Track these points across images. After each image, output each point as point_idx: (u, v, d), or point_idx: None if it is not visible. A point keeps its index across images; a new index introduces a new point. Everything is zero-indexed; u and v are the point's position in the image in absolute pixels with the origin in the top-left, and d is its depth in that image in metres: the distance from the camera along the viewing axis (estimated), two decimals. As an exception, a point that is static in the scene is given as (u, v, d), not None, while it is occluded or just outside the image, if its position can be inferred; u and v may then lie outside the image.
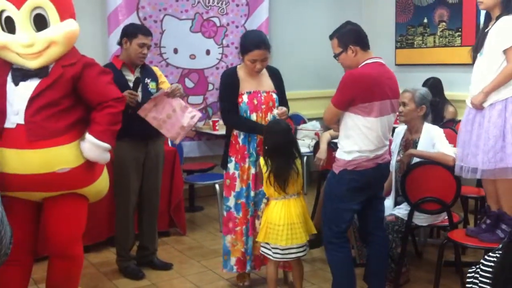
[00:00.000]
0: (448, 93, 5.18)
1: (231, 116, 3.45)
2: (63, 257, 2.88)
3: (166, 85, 3.80)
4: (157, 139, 3.85)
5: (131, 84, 3.62)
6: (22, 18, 2.65)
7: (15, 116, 2.67)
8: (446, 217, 3.50)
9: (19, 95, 2.68)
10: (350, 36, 3.02)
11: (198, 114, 3.71)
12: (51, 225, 2.84)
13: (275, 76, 3.60)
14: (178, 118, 3.60)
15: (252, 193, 3.47)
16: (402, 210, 3.54)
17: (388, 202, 3.69)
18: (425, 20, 5.87)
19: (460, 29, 5.53)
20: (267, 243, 3.22)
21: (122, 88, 3.55)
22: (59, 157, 2.70)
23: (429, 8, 5.83)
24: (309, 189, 5.82)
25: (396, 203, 3.66)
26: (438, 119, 4.74)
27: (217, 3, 5.75)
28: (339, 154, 3.08)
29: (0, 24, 2.69)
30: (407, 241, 3.51)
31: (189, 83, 5.65)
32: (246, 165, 3.44)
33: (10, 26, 2.69)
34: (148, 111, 3.60)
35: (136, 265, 3.87)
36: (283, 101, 3.57)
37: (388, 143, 3.15)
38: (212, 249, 4.33)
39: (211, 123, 5.53)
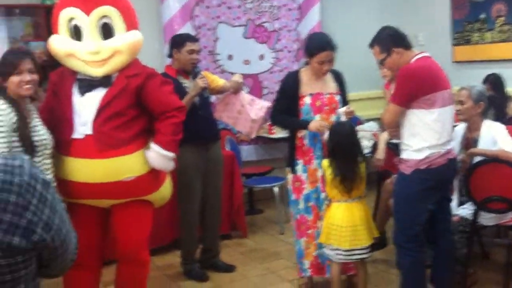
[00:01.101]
0: (510, 89, 5.03)
1: (276, 115, 3.49)
2: (131, 262, 2.97)
3: (217, 82, 3.88)
4: (217, 142, 3.93)
5: (188, 91, 3.70)
6: (90, 25, 2.75)
7: (83, 127, 2.75)
8: (513, 216, 3.40)
9: (87, 106, 2.77)
10: (391, 39, 3.00)
11: (266, 105, 3.71)
12: (119, 231, 2.93)
13: (338, 78, 3.61)
14: (247, 112, 3.66)
15: (322, 195, 3.44)
16: (466, 210, 3.47)
17: (452, 203, 3.62)
18: (482, 16, 5.73)
19: (519, 23, 5.38)
20: (329, 245, 3.22)
21: (180, 94, 3.65)
22: (125, 166, 2.78)
23: (486, 3, 5.68)
24: (368, 190, 5.75)
25: (460, 203, 3.59)
26: (501, 116, 4.61)
27: (269, 9, 5.80)
28: (407, 155, 3.00)
29: (68, 32, 2.80)
30: (472, 242, 3.44)
31: (243, 88, 5.71)
32: (313, 167, 3.44)
33: (77, 34, 2.78)
34: (222, 112, 3.69)
35: (199, 268, 3.95)
36: (345, 103, 3.59)
37: (452, 135, 3.10)
38: (273, 252, 4.37)
39: (267, 127, 5.57)
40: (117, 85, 2.80)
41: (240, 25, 5.69)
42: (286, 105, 3.46)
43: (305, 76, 3.50)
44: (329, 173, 3.17)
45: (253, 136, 3.86)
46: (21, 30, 4.74)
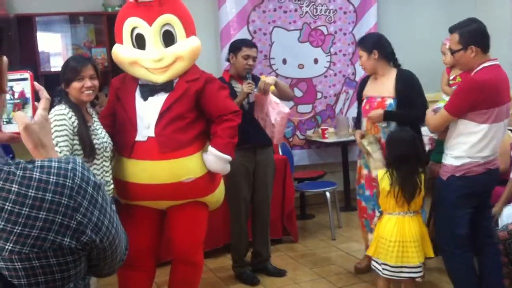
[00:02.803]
0: None
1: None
2: (185, 263, 3.04)
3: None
4: (266, 147, 3.93)
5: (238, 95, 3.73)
6: (153, 34, 2.83)
7: (146, 129, 2.85)
8: None
9: (149, 110, 2.86)
10: (474, 36, 2.90)
11: (284, 110, 3.59)
12: (176, 232, 3.01)
13: (402, 79, 3.51)
14: (270, 116, 3.62)
15: (366, 192, 3.62)
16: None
17: (510, 209, 3.51)
18: (547, 15, 5.49)
19: None
20: (377, 258, 3.12)
21: (232, 98, 3.71)
22: (186, 168, 2.86)
23: (551, 2, 5.44)
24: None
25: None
26: None
27: (325, 12, 5.78)
28: (446, 160, 3.01)
29: (131, 41, 2.89)
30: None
31: (298, 93, 5.72)
32: (358, 165, 3.65)
33: (140, 42, 2.88)
34: (257, 113, 3.71)
35: (251, 271, 3.97)
36: (405, 104, 3.43)
37: (499, 150, 3.03)
38: (324, 257, 4.35)
39: (320, 131, 5.55)
40: (178, 90, 2.89)
41: (295, 29, 5.69)
42: (359, 108, 3.68)
43: (373, 77, 3.55)
44: (384, 183, 3.05)
45: (275, 142, 3.79)
46: (84, 37, 4.94)
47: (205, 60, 5.35)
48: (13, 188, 1.01)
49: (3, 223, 1.00)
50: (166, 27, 2.85)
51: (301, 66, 5.73)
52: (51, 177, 1.04)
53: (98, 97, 4.22)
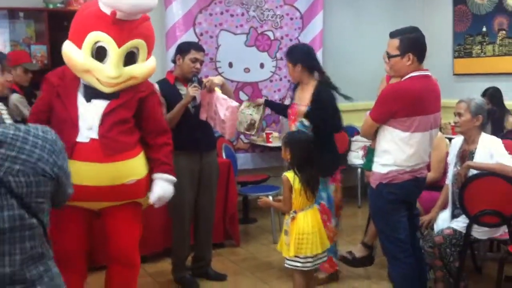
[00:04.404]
0: (508, 103, 5.01)
1: None
2: (123, 264, 2.98)
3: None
4: (211, 151, 3.92)
5: (183, 97, 3.69)
6: (119, 55, 2.77)
7: (89, 130, 2.78)
8: (506, 231, 3.38)
9: (92, 111, 2.80)
10: (414, 44, 2.94)
11: (232, 105, 3.61)
12: (114, 233, 2.95)
13: (317, 91, 3.73)
14: (219, 112, 3.62)
15: None
16: (460, 223, 3.45)
17: (445, 214, 3.62)
18: (484, 29, 5.72)
19: (521, 37, 5.37)
20: (296, 256, 3.18)
21: (176, 100, 3.67)
22: (129, 170, 2.84)
23: (488, 17, 5.68)
24: (364, 202, 5.76)
25: (454, 216, 3.57)
26: (498, 130, 4.60)
27: (271, 17, 5.82)
28: (374, 167, 3.05)
29: (91, 50, 2.78)
30: (465, 255, 3.41)
31: (243, 96, 5.73)
32: None
33: (100, 54, 2.78)
34: (205, 113, 3.68)
35: (191, 276, 3.93)
36: (316, 113, 3.67)
37: (427, 159, 3.10)
38: (266, 261, 4.35)
39: (264, 135, 5.57)
40: (122, 97, 2.87)
41: (242, 33, 5.71)
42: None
43: (300, 85, 3.84)
44: (296, 184, 3.18)
45: (228, 137, 3.85)
46: (23, 33, 4.78)
47: (149, 61, 5.33)
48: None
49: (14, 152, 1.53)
50: (132, 49, 2.83)
51: (247, 70, 5.75)
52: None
53: (36, 95, 4.10)
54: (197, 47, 3.85)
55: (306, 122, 3.69)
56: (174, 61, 3.86)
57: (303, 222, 3.18)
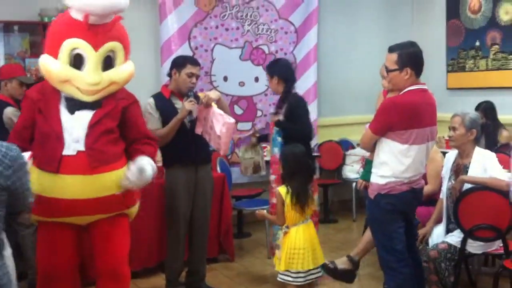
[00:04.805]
0: (502, 117, 5.04)
1: None
2: (112, 278, 2.94)
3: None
4: (207, 164, 3.91)
5: (179, 112, 3.69)
6: (96, 59, 2.76)
7: (76, 143, 2.76)
8: (501, 245, 3.38)
9: (77, 123, 2.78)
10: (412, 59, 3.00)
11: (228, 121, 3.64)
12: (102, 246, 2.92)
13: (288, 102, 4.01)
14: (214, 128, 3.64)
15: None
16: (454, 238, 3.45)
17: (440, 229, 3.62)
18: (477, 43, 5.77)
19: (514, 52, 5.41)
20: (287, 271, 3.22)
21: (171, 114, 3.67)
22: (118, 180, 2.81)
23: (481, 31, 5.72)
24: (359, 216, 5.76)
25: (448, 230, 3.57)
26: (492, 144, 4.62)
27: (266, 31, 5.85)
28: (372, 178, 3.10)
29: (68, 59, 2.77)
30: (460, 270, 3.41)
31: (238, 110, 5.74)
32: None
33: (77, 62, 2.77)
34: (200, 127, 3.69)
35: (185, 291, 3.89)
36: (282, 124, 3.99)
37: (424, 170, 3.16)
38: (260, 275, 4.32)
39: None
40: (106, 107, 2.85)
41: (237, 47, 5.73)
42: None
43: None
44: (288, 198, 3.23)
45: (222, 153, 3.85)
46: (18, 47, 4.78)
47: (144, 75, 5.32)
48: None
49: None
50: (109, 53, 2.82)
51: (242, 84, 5.76)
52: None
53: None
54: (193, 61, 3.85)
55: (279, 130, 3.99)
56: (169, 75, 3.86)
57: (295, 237, 3.22)
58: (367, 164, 3.47)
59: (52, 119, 2.79)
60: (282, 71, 4.06)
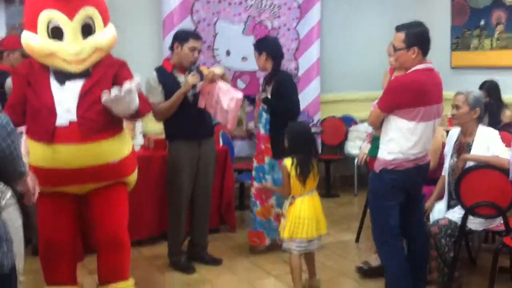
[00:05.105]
0: (506, 96, 5.04)
1: None
2: (113, 245, 2.99)
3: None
4: (210, 138, 3.93)
5: (182, 86, 3.69)
6: (73, 27, 2.75)
7: (67, 113, 2.77)
8: (502, 222, 3.40)
9: (68, 94, 2.79)
10: (419, 38, 3.05)
11: (237, 95, 3.68)
12: (102, 215, 2.96)
13: (276, 79, 4.06)
14: (221, 102, 3.65)
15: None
16: (456, 214, 3.47)
17: (441, 205, 3.64)
18: (482, 23, 5.73)
19: (519, 32, 5.38)
20: (291, 239, 3.34)
21: (173, 88, 3.67)
22: (111, 148, 2.85)
23: (486, 11, 5.68)
24: (360, 191, 5.81)
25: (449, 207, 3.59)
26: (495, 123, 4.62)
27: (269, 7, 5.80)
28: (380, 154, 3.17)
29: (47, 32, 2.76)
30: (460, 246, 3.44)
31: (241, 84, 5.72)
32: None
33: (57, 34, 2.76)
34: (204, 101, 3.69)
35: (186, 260, 3.94)
36: (275, 99, 4.02)
37: (429, 147, 3.22)
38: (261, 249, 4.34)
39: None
40: (95, 75, 2.86)
41: (239, 22, 5.68)
42: None
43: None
44: (293, 169, 3.33)
45: (229, 127, 3.83)
46: (20, 18, 4.73)
47: (146, 48, 5.31)
48: None
49: None
50: (87, 20, 2.80)
51: (244, 59, 5.71)
52: None
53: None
54: (196, 36, 3.84)
55: (265, 107, 4.02)
56: (171, 49, 3.84)
57: (299, 207, 3.34)
58: (375, 141, 3.52)
59: (42, 92, 2.79)
60: (271, 48, 4.07)
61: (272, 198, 4.10)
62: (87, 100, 2.78)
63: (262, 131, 4.06)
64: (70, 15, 2.74)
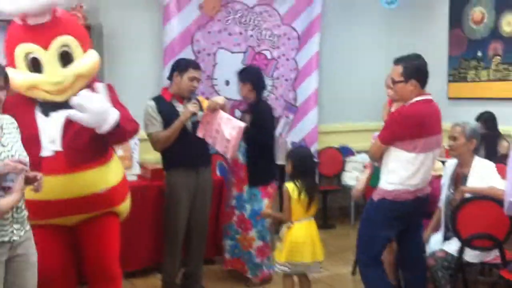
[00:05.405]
0: (502, 128, 5.05)
1: None
2: (104, 278, 2.95)
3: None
4: (207, 167, 3.93)
5: (181, 115, 3.70)
6: (50, 57, 2.74)
7: (52, 144, 2.75)
8: (498, 254, 3.38)
9: (53, 124, 2.77)
10: (417, 71, 3.11)
11: (239, 124, 3.71)
12: (92, 247, 2.92)
13: (255, 109, 4.15)
14: (223, 131, 3.67)
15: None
16: (452, 246, 3.45)
17: (437, 237, 3.62)
18: (479, 54, 5.78)
19: (515, 63, 5.41)
20: (287, 262, 3.38)
21: (172, 117, 3.69)
22: (99, 178, 2.82)
23: (483, 42, 5.73)
24: (357, 222, 5.71)
25: (446, 238, 3.57)
26: (492, 154, 4.62)
27: (269, 37, 5.86)
28: (381, 184, 3.20)
29: (26, 65, 2.76)
30: (457, 278, 3.41)
31: (238, 114, 5.73)
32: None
33: (36, 65, 2.76)
34: (203, 131, 3.71)
35: (181, 292, 3.89)
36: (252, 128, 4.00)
37: (430, 177, 3.25)
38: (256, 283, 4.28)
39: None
40: None
41: (239, 52, 5.74)
42: None
43: None
44: (295, 193, 3.37)
45: (229, 156, 3.83)
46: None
47: (147, 77, 5.37)
48: None
49: None
50: (64, 49, 2.78)
51: (243, 89, 5.76)
52: None
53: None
54: (196, 65, 3.88)
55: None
56: (170, 78, 3.86)
57: (297, 232, 3.38)
58: (376, 172, 3.54)
59: (28, 124, 2.73)
60: (255, 79, 4.16)
61: (252, 231, 4.11)
62: (72, 129, 2.76)
63: (241, 159, 4.10)
64: (45, 46, 2.73)
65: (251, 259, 4.12)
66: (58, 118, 2.79)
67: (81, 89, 2.80)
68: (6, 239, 2.22)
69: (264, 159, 4.07)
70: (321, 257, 3.46)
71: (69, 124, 2.76)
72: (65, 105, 2.78)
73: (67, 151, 2.74)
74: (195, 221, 3.88)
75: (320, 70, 6.09)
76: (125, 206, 3.07)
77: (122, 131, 2.84)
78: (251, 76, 4.17)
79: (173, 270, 3.88)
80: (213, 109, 3.69)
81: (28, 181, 2.25)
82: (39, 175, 2.28)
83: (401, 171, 3.11)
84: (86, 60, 2.86)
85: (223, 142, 3.67)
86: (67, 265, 2.94)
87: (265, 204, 4.05)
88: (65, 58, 2.79)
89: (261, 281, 4.14)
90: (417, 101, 3.10)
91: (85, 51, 2.87)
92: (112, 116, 2.72)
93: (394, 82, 3.15)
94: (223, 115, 3.70)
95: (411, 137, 3.05)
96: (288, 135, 5.91)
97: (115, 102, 2.90)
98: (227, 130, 3.64)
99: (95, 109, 2.64)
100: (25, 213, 2.36)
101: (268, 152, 4.13)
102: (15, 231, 2.26)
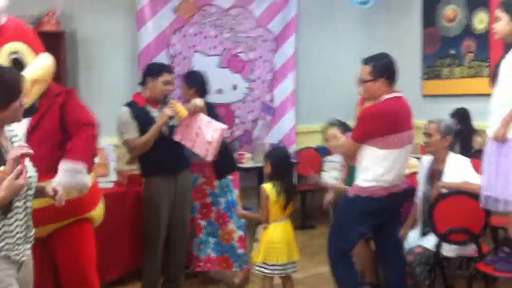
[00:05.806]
0: (476, 123, 5.12)
1: None
2: (80, 287, 2.90)
3: (183, 112, 3.70)
4: (185, 171, 3.90)
5: (156, 120, 3.67)
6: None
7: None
8: (475, 248, 3.42)
9: (15, 131, 2.66)
10: (386, 69, 3.16)
11: (221, 127, 3.71)
12: (65, 257, 2.88)
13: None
14: (203, 134, 3.65)
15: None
16: (429, 241, 3.48)
17: (415, 233, 3.65)
18: (453, 51, 5.86)
19: (488, 60, 5.49)
20: (264, 263, 3.40)
21: (148, 122, 3.64)
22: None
23: (456, 39, 5.82)
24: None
25: (424, 234, 3.60)
26: (467, 150, 4.69)
27: (245, 39, 5.87)
28: (357, 180, 3.25)
29: None
30: (435, 273, 3.44)
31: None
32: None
33: None
34: (181, 134, 3.68)
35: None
36: None
37: (403, 172, 3.30)
38: (238, 284, 4.27)
39: (237, 156, 5.56)
40: (41, 108, 2.78)
41: (215, 55, 5.73)
42: None
43: None
44: (272, 194, 3.38)
45: (209, 159, 3.75)
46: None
47: (123, 82, 5.32)
48: None
49: None
50: (14, 55, 2.73)
51: (220, 92, 5.75)
52: None
53: None
54: (169, 69, 3.87)
55: None
56: (143, 83, 3.82)
57: (273, 232, 3.40)
58: (352, 171, 3.56)
59: None
60: (200, 84, 4.20)
61: (230, 223, 4.17)
62: (35, 136, 2.70)
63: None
64: None
65: (234, 251, 4.14)
66: (20, 125, 2.73)
67: (39, 94, 2.77)
68: (18, 258, 2.18)
69: (221, 154, 3.88)
70: (297, 256, 3.49)
71: (32, 131, 2.71)
72: (27, 111, 2.69)
73: (32, 160, 2.69)
74: (174, 227, 3.85)
75: (297, 71, 6.12)
76: (97, 213, 3.01)
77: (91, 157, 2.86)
78: (197, 82, 4.20)
79: (152, 276, 3.83)
80: (193, 112, 3.67)
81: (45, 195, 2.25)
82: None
83: (375, 168, 3.15)
84: (38, 64, 2.80)
85: (203, 145, 3.65)
86: (42, 278, 2.83)
87: (235, 194, 4.19)
88: (17, 65, 2.71)
89: (246, 271, 4.19)
90: (387, 98, 3.14)
91: (37, 54, 2.82)
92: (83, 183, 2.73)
93: (364, 81, 3.20)
94: (203, 118, 3.69)
95: (383, 134, 3.08)
96: (266, 137, 5.92)
97: (73, 107, 2.86)
98: (208, 133, 3.63)
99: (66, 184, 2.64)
100: (34, 231, 2.34)
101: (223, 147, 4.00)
102: (26, 251, 2.24)
